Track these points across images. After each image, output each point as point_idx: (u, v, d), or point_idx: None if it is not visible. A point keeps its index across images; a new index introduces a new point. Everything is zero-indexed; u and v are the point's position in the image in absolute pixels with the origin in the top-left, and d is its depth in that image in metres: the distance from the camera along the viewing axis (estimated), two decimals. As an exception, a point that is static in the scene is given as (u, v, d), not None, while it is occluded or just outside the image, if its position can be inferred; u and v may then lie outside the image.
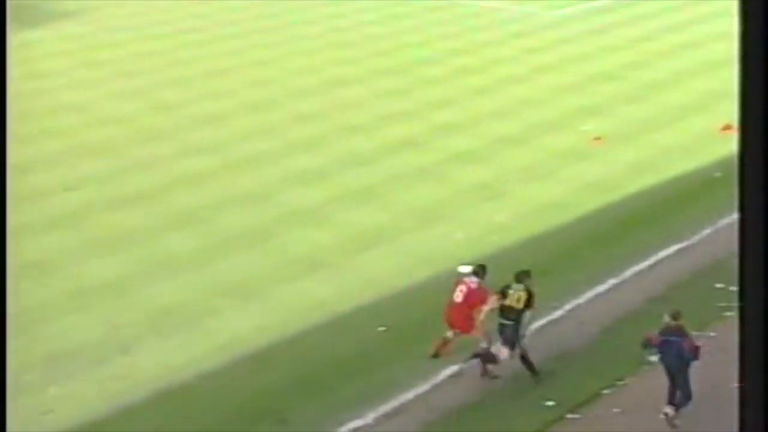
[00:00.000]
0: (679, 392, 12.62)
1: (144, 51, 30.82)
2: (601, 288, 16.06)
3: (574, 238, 17.94)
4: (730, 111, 19.83)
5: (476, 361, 13.98)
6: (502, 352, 13.54)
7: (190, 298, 16.09)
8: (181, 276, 16.79)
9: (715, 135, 22.37)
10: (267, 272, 17.06)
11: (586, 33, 31.95)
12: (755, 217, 2.57)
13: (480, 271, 14.18)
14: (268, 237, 18.32)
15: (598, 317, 15.15)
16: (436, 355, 14.24)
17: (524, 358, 13.66)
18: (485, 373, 13.78)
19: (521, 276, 13.73)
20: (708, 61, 28.11)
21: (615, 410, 13.18)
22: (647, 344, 12.88)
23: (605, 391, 13.55)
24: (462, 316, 14.01)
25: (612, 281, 16.31)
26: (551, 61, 29.14)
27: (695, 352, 12.51)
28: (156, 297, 16.13)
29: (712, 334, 14.40)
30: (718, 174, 20.40)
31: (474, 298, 13.92)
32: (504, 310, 13.55)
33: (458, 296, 14.09)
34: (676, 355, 12.53)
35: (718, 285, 15.61)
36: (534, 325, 15.10)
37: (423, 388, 13.87)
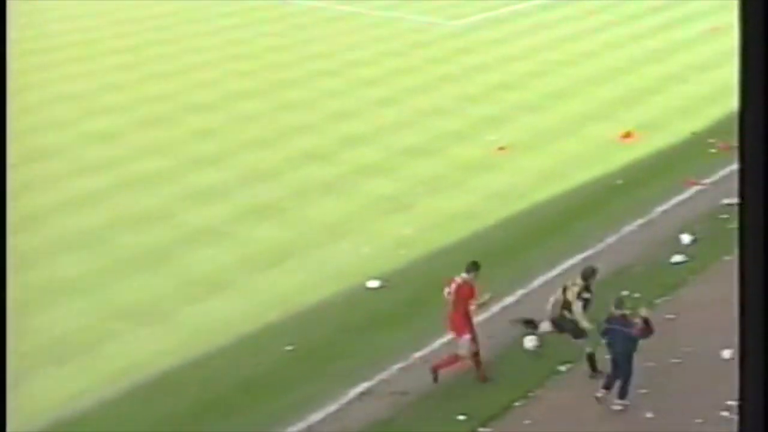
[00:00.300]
0: (620, 380, 13.04)
1: (31, 65, 29.67)
2: (509, 299, 15.98)
3: (481, 249, 17.80)
4: (630, 118, 20.22)
5: (385, 375, 13.81)
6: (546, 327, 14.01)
7: (85, 324, 15.42)
8: (76, 300, 16.08)
9: (615, 143, 22.67)
10: (168, 294, 16.47)
11: (487, 43, 32.16)
12: (755, 217, 2.47)
13: (471, 267, 13.80)
14: (168, 257, 17.71)
15: (508, 329, 15.04)
16: (435, 378, 13.68)
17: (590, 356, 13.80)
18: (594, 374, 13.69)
19: (587, 272, 13.84)
20: (606, 69, 28.58)
21: (526, 422, 13.09)
22: (603, 332, 13.28)
23: (516, 403, 13.45)
24: (458, 316, 13.65)
25: (520, 292, 16.25)
26: (454, 71, 29.19)
27: (641, 334, 12.94)
28: (49, 323, 15.41)
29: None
30: (619, 181, 20.64)
31: (463, 292, 13.58)
32: (566, 306, 13.70)
33: (449, 296, 13.74)
34: (620, 342, 12.98)
35: (624, 292, 15.70)
36: (444, 338, 14.95)
37: (332, 407, 13.58)
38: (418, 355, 14.62)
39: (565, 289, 13.87)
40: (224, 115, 25.54)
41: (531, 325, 14.59)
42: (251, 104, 26.40)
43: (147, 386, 14.08)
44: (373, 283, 16.67)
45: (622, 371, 13.11)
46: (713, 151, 22.03)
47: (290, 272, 17.30)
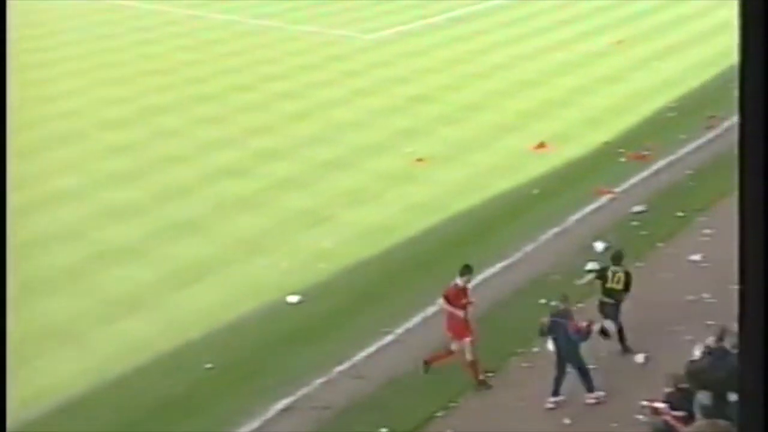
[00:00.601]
0: (580, 374, 13.46)
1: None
2: (430, 310, 16.08)
3: (401, 261, 17.94)
4: (543, 129, 20.57)
5: (306, 390, 13.78)
6: (610, 327, 14.48)
7: (-3, 347, 14.92)
8: (-13, 324, 15.57)
9: (530, 153, 23.05)
10: (83, 314, 16.12)
11: (402, 56, 32.38)
12: (755, 218, 2.48)
13: (465, 271, 14.07)
14: (82, 277, 17.33)
15: (428, 341, 15.12)
16: (426, 369, 14.12)
17: (621, 333, 14.54)
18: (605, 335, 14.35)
19: (616, 258, 14.74)
20: (519, 81, 29.05)
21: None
22: (542, 331, 13.59)
23: (438, 414, 13.53)
24: (455, 320, 13.88)
25: (441, 302, 16.32)
26: (370, 84, 29.31)
27: (581, 332, 13.40)
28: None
29: (535, 350, 14.68)
30: (535, 191, 20.98)
31: (459, 296, 13.87)
32: (606, 292, 14.46)
33: (445, 303, 13.99)
34: (564, 336, 13.39)
35: (541, 301, 15.96)
36: (365, 351, 14.97)
37: (254, 424, 13.48)
38: (339, 368, 14.60)
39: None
40: (139, 130, 25.15)
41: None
42: (167, 119, 26.06)
43: (62, 409, 13.74)
44: (293, 298, 16.60)
45: (574, 364, 13.42)
46: (623, 160, 22.58)
47: (209, 289, 17.11)
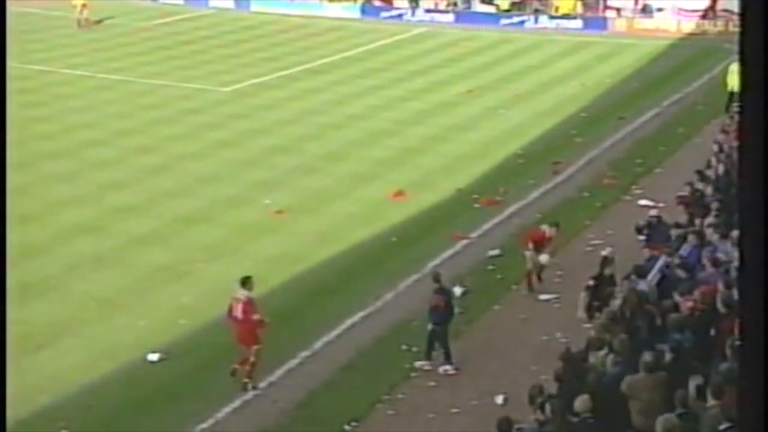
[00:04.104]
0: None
1: None
2: (293, 362, 16.06)
3: (263, 314, 17.84)
4: (399, 178, 21.04)
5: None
6: None
7: None
8: None
9: (388, 202, 23.47)
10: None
11: (258, 108, 32.47)
12: (755, 221, 2.51)
13: (247, 281, 15.32)
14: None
15: (292, 392, 15.10)
16: (233, 374, 15.13)
17: None
18: None
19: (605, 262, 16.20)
20: (374, 131, 29.60)
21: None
22: None
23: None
24: (246, 332, 15.07)
25: (303, 354, 16.37)
26: (227, 136, 29.23)
27: None
28: None
29: (400, 396, 14.90)
30: (394, 239, 21.34)
31: (248, 312, 15.04)
32: None
33: (238, 313, 15.14)
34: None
35: (403, 347, 16.22)
36: (228, 407, 14.79)
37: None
38: (202, 426, 14.37)
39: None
40: (-15, 189, 24.19)
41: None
42: (15, 177, 25.16)
43: None
44: (154, 356, 16.27)
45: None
46: (477, 206, 23.28)
47: (63, 352, 16.57)
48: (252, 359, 15.02)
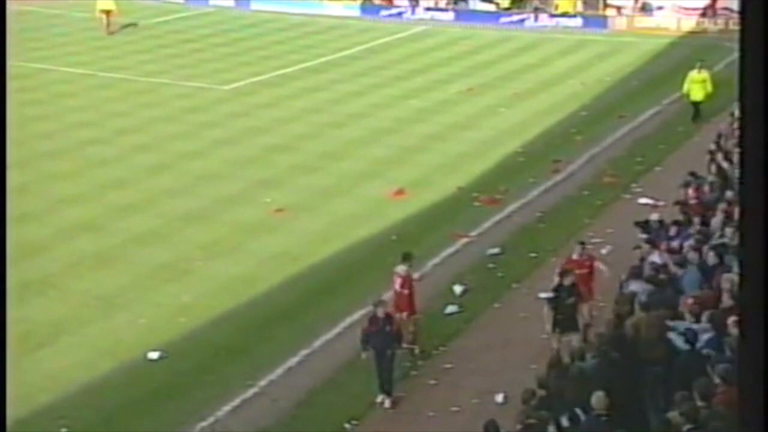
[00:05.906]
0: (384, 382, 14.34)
1: None
2: (293, 360, 16.07)
3: (264, 312, 17.86)
4: (400, 176, 21.06)
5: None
6: None
7: None
8: None
9: (388, 200, 23.46)
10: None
11: (258, 106, 32.46)
12: (755, 220, 2.49)
13: (407, 257, 16.32)
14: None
15: (293, 391, 15.10)
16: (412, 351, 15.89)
17: None
18: None
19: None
20: (374, 129, 29.58)
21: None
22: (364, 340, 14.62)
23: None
24: (404, 301, 15.96)
25: (304, 352, 16.38)
26: (227, 134, 29.22)
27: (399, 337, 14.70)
28: None
29: (400, 394, 14.91)
30: (394, 237, 21.32)
31: (406, 284, 16.04)
32: None
33: (396, 286, 16.12)
34: (382, 342, 14.41)
35: (403, 344, 16.20)
36: (228, 405, 14.81)
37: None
38: (203, 424, 14.38)
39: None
40: (-15, 188, 24.18)
41: None
42: (15, 176, 25.19)
43: None
44: (154, 355, 16.28)
45: (385, 374, 14.36)
46: (477, 204, 23.27)
47: (63, 350, 16.58)
48: (412, 328, 15.91)
